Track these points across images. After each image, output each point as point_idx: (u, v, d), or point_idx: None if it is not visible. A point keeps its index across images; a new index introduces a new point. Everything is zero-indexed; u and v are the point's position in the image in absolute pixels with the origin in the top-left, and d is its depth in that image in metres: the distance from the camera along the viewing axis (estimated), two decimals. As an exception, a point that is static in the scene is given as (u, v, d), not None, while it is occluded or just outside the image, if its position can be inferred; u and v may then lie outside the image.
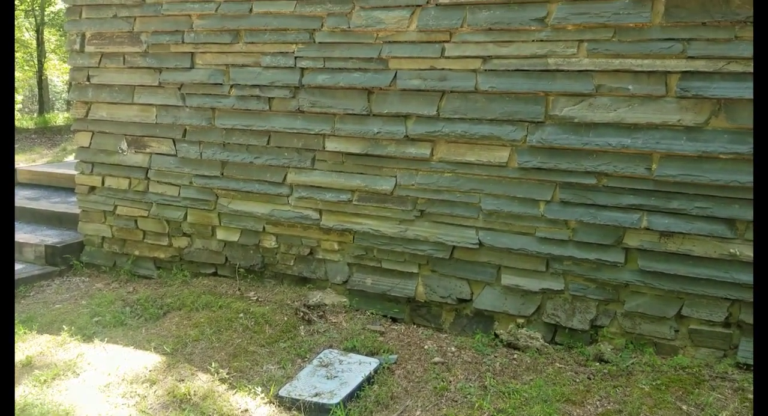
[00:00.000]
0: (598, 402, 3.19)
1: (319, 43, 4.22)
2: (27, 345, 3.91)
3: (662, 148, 3.43)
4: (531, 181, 3.77)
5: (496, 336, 3.89)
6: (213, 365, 3.61)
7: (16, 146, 13.60)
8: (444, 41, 3.87)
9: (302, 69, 4.31)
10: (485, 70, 3.79)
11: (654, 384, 3.29)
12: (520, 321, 3.90)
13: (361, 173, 4.25)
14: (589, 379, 3.40)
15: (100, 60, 5.04)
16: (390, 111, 4.07)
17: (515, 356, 3.67)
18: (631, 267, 3.61)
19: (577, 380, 3.39)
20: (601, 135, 3.56)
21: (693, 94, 3.34)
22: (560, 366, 3.55)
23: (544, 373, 3.46)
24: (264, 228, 4.63)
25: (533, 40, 3.65)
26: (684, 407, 3.10)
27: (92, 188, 5.27)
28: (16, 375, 3.58)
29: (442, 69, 3.90)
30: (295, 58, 4.32)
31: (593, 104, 3.58)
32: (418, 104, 3.99)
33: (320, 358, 3.65)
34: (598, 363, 3.55)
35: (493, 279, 3.96)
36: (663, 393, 3.21)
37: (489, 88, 3.79)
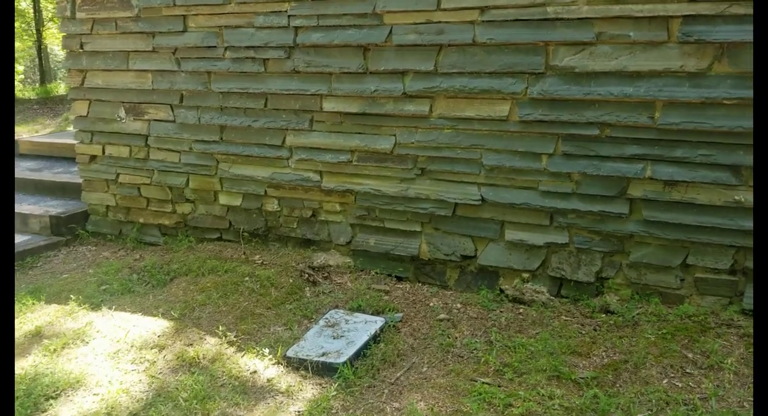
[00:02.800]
0: (603, 353, 3.21)
1: (312, 0, 4.12)
2: (36, 315, 3.95)
3: (665, 95, 3.35)
4: (533, 134, 3.71)
5: (502, 291, 3.89)
6: (221, 328, 3.64)
7: (18, 117, 13.56)
8: (440, -7, 3.76)
9: (296, 28, 4.22)
10: (483, 21, 3.69)
11: (660, 333, 3.30)
12: (525, 275, 3.90)
13: (360, 133, 4.20)
14: (595, 331, 3.40)
15: (92, 26, 4.96)
16: (387, 68, 4.00)
17: (521, 310, 3.68)
18: (636, 218, 3.58)
19: (583, 332, 3.40)
20: (603, 84, 3.48)
21: (695, 39, 3.24)
22: (566, 318, 3.55)
23: (549, 326, 3.47)
24: (266, 192, 4.61)
25: (531, -12, 3.55)
26: (689, 355, 3.11)
27: (93, 157, 5.25)
28: (25, 345, 3.63)
29: (439, 22, 3.80)
30: (289, 17, 4.22)
31: (594, 52, 3.49)
32: (415, 59, 3.91)
33: (326, 318, 3.67)
34: (604, 315, 3.55)
35: (496, 235, 3.94)
36: (669, 342, 3.21)
37: (487, 40, 3.70)
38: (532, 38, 3.59)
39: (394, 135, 4.08)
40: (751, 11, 3.10)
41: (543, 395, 2.91)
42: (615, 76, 3.46)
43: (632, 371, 3.05)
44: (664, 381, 2.97)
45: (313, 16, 4.15)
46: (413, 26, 3.88)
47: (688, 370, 3.02)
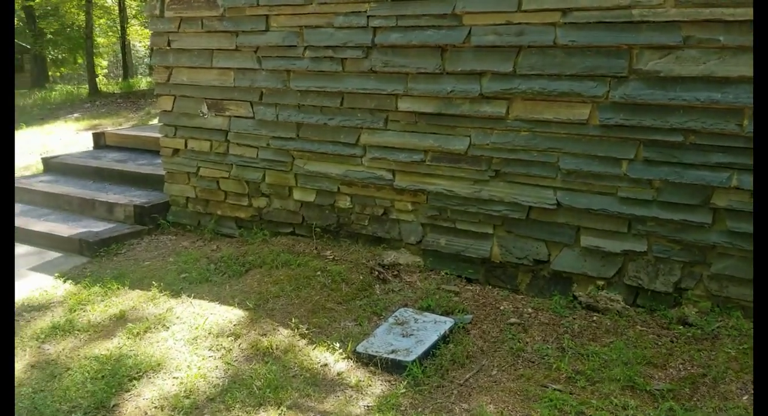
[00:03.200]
0: (681, 366, 3.12)
1: (392, 0, 4.16)
2: (120, 300, 4.16)
3: (757, 102, 3.22)
4: (613, 139, 3.64)
5: (575, 297, 3.83)
6: (293, 320, 3.74)
7: (102, 110, 14.23)
8: (521, -6, 3.74)
9: (375, 28, 4.28)
10: (565, 23, 3.64)
11: (741, 348, 3.18)
12: (600, 282, 3.82)
13: (434, 133, 4.22)
14: (672, 342, 3.31)
15: (179, 25, 5.16)
16: (464, 69, 4.00)
17: (594, 318, 3.62)
18: (719, 228, 3.45)
19: (660, 343, 3.32)
20: (689, 90, 3.38)
21: (753, 38, 3.09)
22: (642, 328, 3.47)
23: (624, 336, 3.40)
24: (339, 189, 4.69)
25: (617, -10, 3.48)
26: (773, 373, 2.98)
27: (176, 151, 5.46)
28: (110, 327, 3.83)
29: (519, 23, 3.78)
30: (368, 17, 4.28)
31: (680, 56, 3.39)
32: (493, 60, 3.89)
33: (396, 316, 3.71)
34: (681, 327, 3.45)
35: (571, 240, 3.88)
36: (750, 358, 3.09)
37: (569, 42, 3.65)
38: (616, 41, 3.52)
39: (469, 136, 4.08)
40: None
41: (616, 405, 2.86)
42: (702, 82, 3.35)
43: (711, 385, 2.96)
44: (745, 398, 2.86)
45: (392, 17, 4.19)
46: (492, 27, 3.86)
47: (771, 388, 2.90)
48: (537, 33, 3.73)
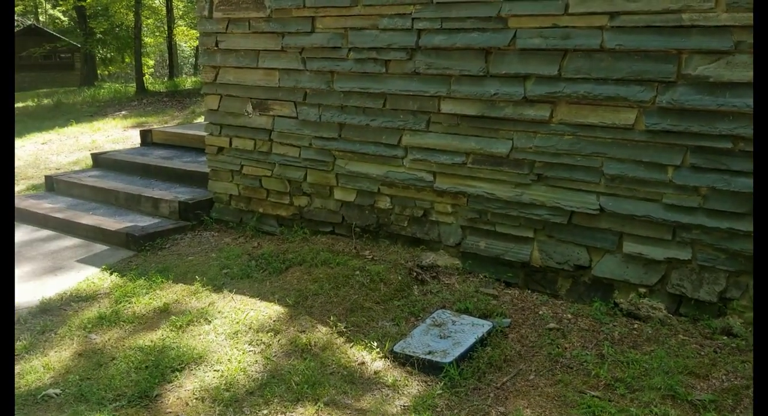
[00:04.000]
0: (724, 377, 3.06)
1: (437, 3, 4.18)
2: (164, 293, 4.26)
3: (811, 109, 3.14)
4: (659, 144, 3.58)
5: (616, 304, 3.78)
6: (331, 318, 3.78)
7: (149, 108, 14.56)
8: (568, -3, 3.71)
9: (419, 31, 4.30)
10: (612, 26, 3.61)
11: (788, 361, 3.09)
12: (642, 290, 3.77)
13: (476, 136, 4.21)
14: (715, 353, 3.25)
15: (227, 26, 5.26)
16: (508, 72, 3.99)
17: (635, 326, 3.56)
18: None
19: (702, 353, 3.25)
20: (739, 96, 3.31)
21: (753, 38, 3.00)
22: (684, 337, 3.41)
23: (666, 344, 3.35)
24: (379, 189, 4.72)
25: (666, -6, 3.43)
26: (822, 388, 2.90)
27: (221, 149, 5.57)
28: (154, 319, 3.93)
29: (565, 27, 3.75)
30: (412, 19, 4.30)
31: (731, 62, 3.32)
32: (538, 63, 3.87)
33: (433, 318, 3.72)
34: (725, 337, 3.38)
35: (613, 246, 3.83)
36: (798, 372, 3.01)
37: (616, 46, 3.61)
38: (664, 46, 3.47)
39: (512, 139, 4.06)
40: None
41: (656, 414, 2.81)
42: (752, 88, 3.28)
43: (756, 398, 2.89)
44: (792, 413, 2.78)
45: (437, 19, 4.20)
46: (538, 30, 3.85)
47: (819, 404, 2.82)
48: (583, 36, 3.70)
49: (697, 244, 3.57)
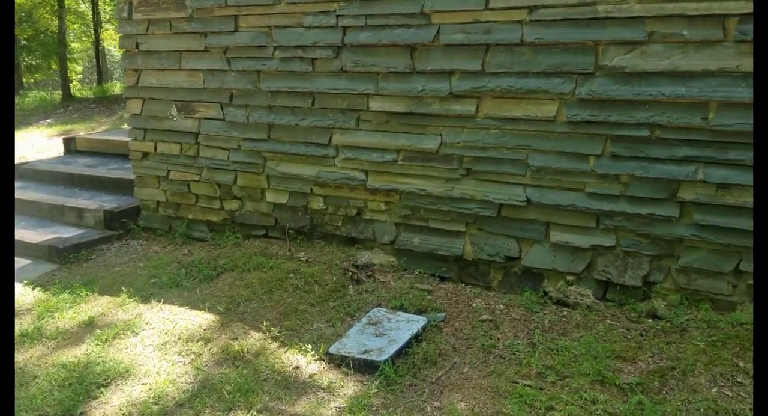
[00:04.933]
0: (650, 359, 3.14)
1: (361, 0, 4.15)
2: (89, 306, 4.09)
3: (719, 96, 3.26)
4: (580, 135, 3.66)
5: (545, 293, 3.84)
6: (265, 323, 3.70)
7: (75, 115, 14.05)
8: (488, -8, 3.75)
9: (344, 28, 4.26)
10: (531, 20, 3.66)
11: (710, 340, 3.20)
12: (570, 278, 3.84)
13: (406, 133, 4.21)
14: (642, 336, 3.33)
15: (148, 27, 5.10)
16: (434, 68, 4.00)
17: (565, 313, 3.63)
18: (686, 221, 3.49)
19: (629, 337, 3.33)
20: (654, 85, 3.41)
21: (753, 38, 3.14)
22: (611, 322, 3.49)
23: (594, 330, 3.42)
24: (311, 190, 4.67)
25: (581, -13, 3.50)
26: (741, 363, 3.01)
27: (145, 154, 5.40)
28: (79, 334, 3.77)
29: (487, 22, 3.79)
30: (337, 16, 4.26)
31: (645, 52, 3.42)
32: (462, 59, 3.90)
33: (369, 316, 3.69)
34: (650, 320, 3.47)
35: (541, 237, 3.89)
36: (719, 350, 3.12)
37: (535, 40, 3.66)
38: (582, 38, 3.54)
39: (440, 135, 4.08)
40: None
41: (586, 399, 2.86)
42: (667, 77, 3.38)
43: (680, 378, 2.97)
44: (714, 390, 2.88)
45: (362, 16, 4.18)
46: (461, 26, 3.87)
47: (738, 379, 2.93)
48: (504, 31, 3.74)
49: (620, 230, 3.66)
